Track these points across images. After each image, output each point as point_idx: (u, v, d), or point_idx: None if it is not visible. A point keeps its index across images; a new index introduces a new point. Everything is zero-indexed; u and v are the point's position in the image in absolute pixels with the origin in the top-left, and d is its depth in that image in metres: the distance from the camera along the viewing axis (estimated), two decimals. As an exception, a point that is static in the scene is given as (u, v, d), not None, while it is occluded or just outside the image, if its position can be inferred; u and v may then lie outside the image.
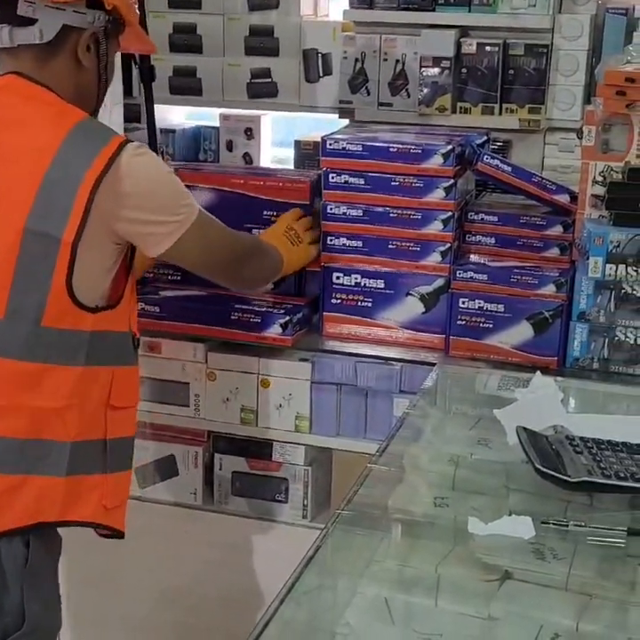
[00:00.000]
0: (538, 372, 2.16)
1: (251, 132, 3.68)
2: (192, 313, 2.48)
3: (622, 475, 1.67)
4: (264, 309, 2.45)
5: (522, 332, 2.34)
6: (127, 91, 3.19)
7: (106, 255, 1.80)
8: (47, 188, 1.69)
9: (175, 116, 3.80)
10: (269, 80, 3.50)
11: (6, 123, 1.78)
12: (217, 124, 3.72)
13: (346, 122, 3.37)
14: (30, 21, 1.76)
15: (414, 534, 1.75)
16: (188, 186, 2.50)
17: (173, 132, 3.68)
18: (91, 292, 1.78)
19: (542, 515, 1.65)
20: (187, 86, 3.57)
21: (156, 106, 3.08)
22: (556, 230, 2.45)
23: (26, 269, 1.70)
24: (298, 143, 3.57)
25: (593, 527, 1.61)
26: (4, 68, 1.83)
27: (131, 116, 3.06)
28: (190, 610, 2.64)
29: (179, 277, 2.59)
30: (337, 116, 3.43)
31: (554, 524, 1.62)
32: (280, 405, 2.49)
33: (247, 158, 3.68)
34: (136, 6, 2.00)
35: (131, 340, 1.92)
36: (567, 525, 1.61)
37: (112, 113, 2.59)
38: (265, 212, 2.50)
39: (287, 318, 2.42)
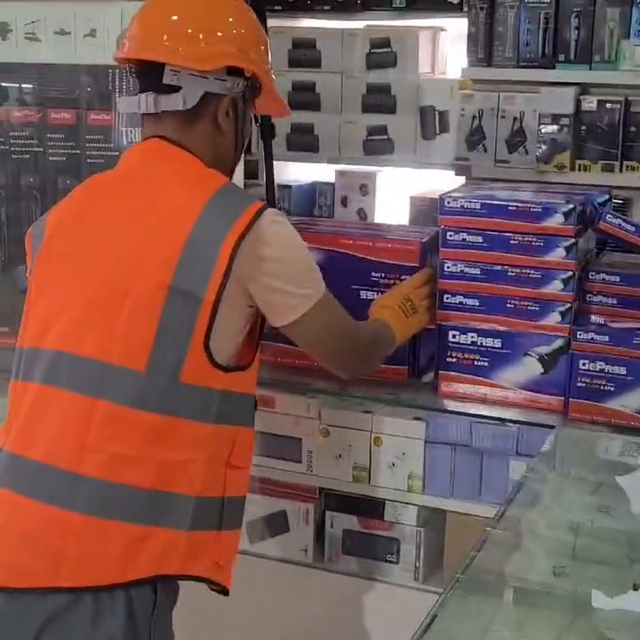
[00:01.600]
0: (663, 438, 2.10)
1: (366, 188, 3.69)
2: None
3: None
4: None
5: (646, 395, 2.28)
6: (247, 147, 3.24)
7: (241, 316, 1.86)
8: (191, 247, 1.75)
9: (292, 171, 3.84)
10: (386, 137, 3.51)
11: (153, 184, 1.85)
12: (333, 179, 3.75)
13: (462, 179, 3.35)
14: (174, 89, 1.85)
15: (532, 604, 1.70)
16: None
17: (290, 187, 3.72)
18: (224, 352, 1.82)
19: (668, 588, 1.59)
20: (304, 143, 3.61)
21: (274, 162, 3.12)
22: (681, 291, 2.38)
23: (168, 325, 1.75)
24: (413, 199, 3.57)
25: None
26: (146, 132, 1.93)
27: (249, 172, 3.10)
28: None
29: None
30: (453, 172, 3.42)
31: (683, 601, 1.55)
32: (393, 464, 2.47)
33: (362, 214, 3.70)
34: (272, 71, 2.03)
35: (254, 402, 1.96)
36: (697, 602, 1.54)
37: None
38: (373, 274, 2.51)
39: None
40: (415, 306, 2.33)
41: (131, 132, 2.63)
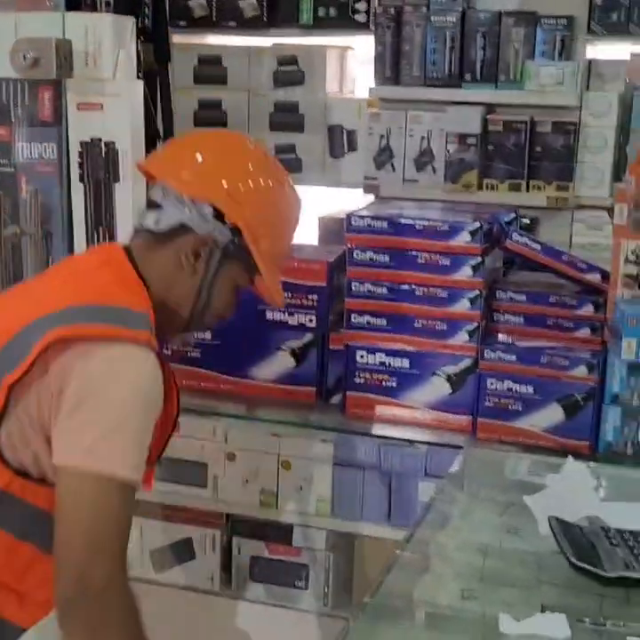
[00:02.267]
0: (569, 457, 2.10)
1: (274, 208, 3.66)
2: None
3: (662, 570, 1.59)
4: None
5: (552, 414, 2.28)
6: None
7: (44, 433, 1.56)
8: (22, 335, 1.57)
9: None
10: (294, 156, 3.49)
11: (68, 269, 1.77)
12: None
13: (371, 198, 3.34)
14: (156, 206, 1.72)
15: (441, 628, 1.67)
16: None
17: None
18: (18, 453, 1.58)
19: (576, 609, 1.58)
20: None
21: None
22: (588, 310, 2.39)
23: None
24: (322, 220, 3.54)
25: (631, 625, 1.52)
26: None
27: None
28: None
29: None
30: (362, 191, 3.41)
31: (591, 623, 1.53)
32: (301, 487, 2.42)
33: (270, 233, 3.66)
34: (280, 253, 1.82)
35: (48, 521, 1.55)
36: (605, 625, 1.53)
37: (135, 186, 2.56)
38: None
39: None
40: None
41: (28, 146, 2.54)
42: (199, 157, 1.76)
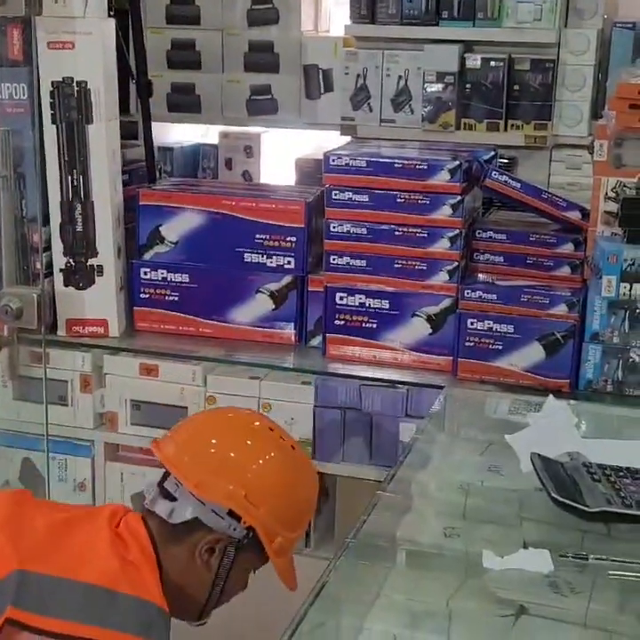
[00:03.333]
0: (550, 396, 2.10)
1: (250, 150, 3.61)
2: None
3: (644, 504, 1.60)
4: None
5: (533, 353, 2.28)
6: (124, 107, 3.13)
7: None
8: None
9: (174, 133, 3.73)
10: (270, 97, 3.44)
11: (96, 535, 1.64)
12: (216, 141, 3.66)
13: (348, 139, 3.30)
14: (172, 497, 1.66)
15: (424, 566, 1.68)
16: (177, 208, 2.47)
17: (171, 149, 3.61)
18: None
19: (558, 545, 1.59)
20: (185, 103, 3.50)
21: (154, 123, 3.02)
22: (567, 248, 2.39)
23: None
24: (299, 161, 3.50)
25: (614, 560, 1.53)
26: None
27: (128, 133, 2.98)
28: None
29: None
30: (339, 133, 3.37)
31: (573, 557, 1.54)
32: (282, 430, 2.42)
33: (247, 176, 3.62)
34: (294, 539, 1.75)
35: None
36: (587, 559, 1.53)
37: (108, 128, 2.53)
38: (257, 236, 2.45)
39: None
40: None
41: (-1, 89, 2.49)
42: (215, 454, 1.69)
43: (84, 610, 1.50)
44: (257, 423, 1.79)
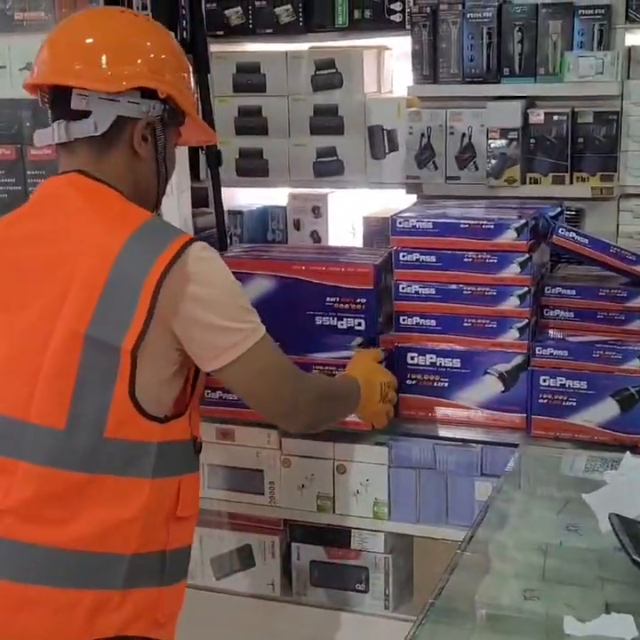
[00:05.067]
0: (627, 453, 2.07)
1: (318, 211, 3.66)
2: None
3: None
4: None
5: (607, 409, 2.25)
6: (194, 175, 3.21)
7: (170, 362, 1.73)
8: (108, 293, 1.65)
9: (243, 197, 3.80)
10: (335, 158, 3.49)
11: (68, 225, 1.74)
12: (285, 203, 3.72)
13: (414, 197, 3.34)
14: (84, 114, 1.74)
15: (504, 630, 1.65)
16: (248, 274, 2.52)
17: (241, 213, 3.68)
18: (158, 402, 1.72)
19: (640, 607, 1.56)
20: (253, 168, 3.57)
21: (223, 189, 3.09)
22: (638, 302, 2.36)
23: (87, 379, 1.65)
24: (366, 220, 3.54)
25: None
26: (62, 165, 1.81)
27: (198, 200, 3.05)
28: None
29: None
30: (404, 191, 3.40)
31: (657, 621, 1.52)
32: (357, 491, 2.42)
33: (315, 236, 3.66)
34: (194, 95, 1.97)
35: (193, 445, 1.83)
36: (671, 622, 1.51)
37: (180, 199, 2.59)
38: (328, 299, 2.47)
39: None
40: (391, 399, 2.24)
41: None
42: (97, 51, 1.75)
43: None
44: (105, 11, 2.02)
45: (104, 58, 1.74)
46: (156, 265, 1.65)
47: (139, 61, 1.76)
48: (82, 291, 1.66)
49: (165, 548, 1.76)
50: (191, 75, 1.91)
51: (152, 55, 1.79)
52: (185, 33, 2.74)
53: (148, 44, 1.81)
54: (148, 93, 1.77)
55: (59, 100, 1.77)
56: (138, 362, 1.65)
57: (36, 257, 1.73)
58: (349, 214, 3.69)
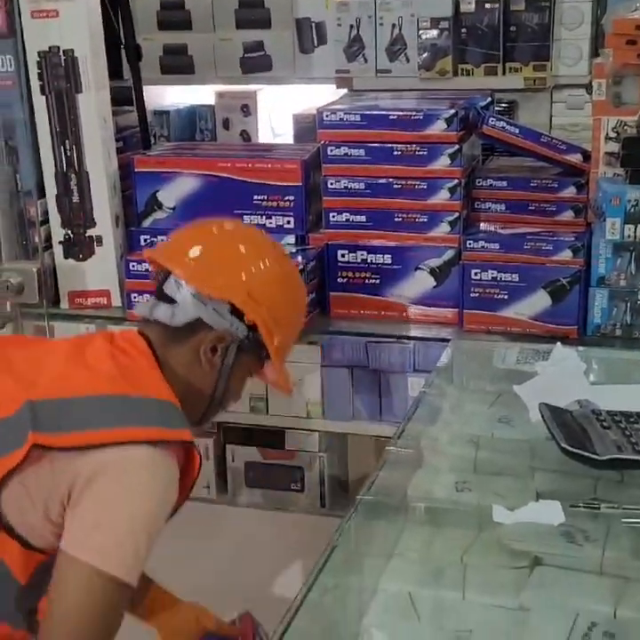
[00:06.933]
0: (558, 343, 2.08)
1: (247, 109, 3.57)
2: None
3: (655, 450, 1.58)
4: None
5: (539, 301, 2.25)
6: (118, 73, 3.09)
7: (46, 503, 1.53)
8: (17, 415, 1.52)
9: (169, 96, 3.68)
10: (263, 53, 3.38)
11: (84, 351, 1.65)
12: (212, 102, 3.61)
13: (344, 91, 3.25)
14: (171, 300, 1.69)
15: (437, 522, 1.67)
16: (172, 173, 2.44)
17: (168, 113, 3.56)
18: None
19: (570, 495, 1.57)
20: (178, 65, 3.45)
21: (148, 87, 2.98)
22: (570, 192, 2.35)
23: None
24: (296, 117, 3.46)
25: (626, 508, 1.52)
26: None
27: (122, 99, 2.93)
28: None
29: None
30: (334, 86, 3.31)
31: (584, 506, 1.52)
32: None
33: (245, 136, 3.57)
34: (289, 345, 1.81)
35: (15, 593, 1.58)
36: (599, 508, 1.52)
37: (97, 97, 2.49)
38: (255, 197, 2.41)
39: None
40: None
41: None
42: (217, 255, 1.73)
43: (102, 417, 1.53)
44: (256, 233, 1.92)
45: (214, 262, 1.71)
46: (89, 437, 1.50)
47: (242, 282, 1.70)
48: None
49: None
50: (299, 331, 1.84)
51: (258, 282, 1.72)
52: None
53: (263, 275, 1.74)
54: (238, 313, 1.68)
55: (161, 280, 1.73)
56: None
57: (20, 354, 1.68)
58: (279, 112, 3.60)
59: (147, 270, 2.43)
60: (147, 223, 2.57)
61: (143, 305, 1.78)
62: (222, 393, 1.73)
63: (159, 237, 2.53)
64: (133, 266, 2.45)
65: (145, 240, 2.55)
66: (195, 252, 1.73)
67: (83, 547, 1.48)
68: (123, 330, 1.76)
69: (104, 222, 2.54)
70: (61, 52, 2.43)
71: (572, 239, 2.26)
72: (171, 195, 2.52)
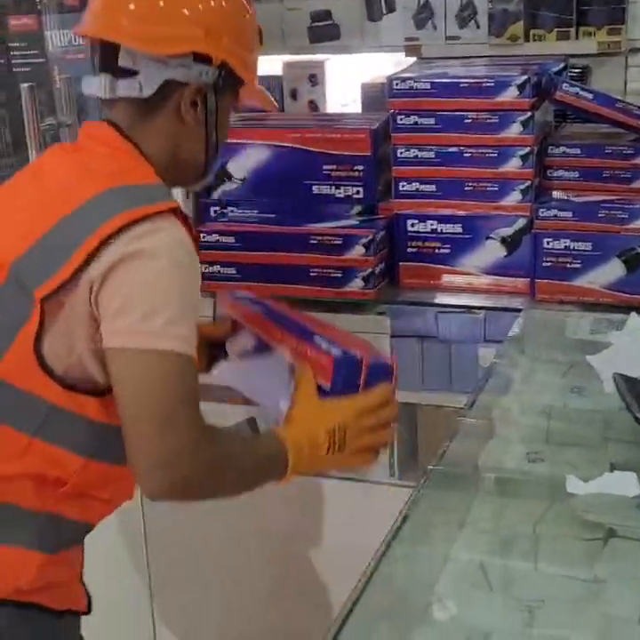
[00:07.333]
0: (633, 313, 2.04)
1: (315, 79, 3.55)
2: (269, 272, 2.39)
3: None
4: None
5: (613, 270, 2.21)
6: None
7: (79, 325, 1.52)
8: (52, 236, 1.52)
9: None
10: (331, 22, 3.36)
11: (70, 162, 1.64)
12: (280, 72, 3.60)
13: (413, 60, 3.22)
14: (131, 73, 1.62)
15: (508, 493, 1.66)
16: (243, 144, 2.43)
17: (235, 84, 3.57)
18: (66, 366, 1.54)
19: (645, 466, 1.54)
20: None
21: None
22: (645, 159, 2.30)
23: None
24: (364, 86, 3.43)
25: (703, 479, 1.49)
26: (103, 115, 1.70)
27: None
28: (278, 576, 2.59)
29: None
30: (403, 54, 3.28)
31: (661, 478, 1.50)
32: (360, 361, 2.40)
33: (313, 106, 3.56)
34: (256, 59, 1.75)
35: (102, 431, 1.58)
36: (675, 479, 1.50)
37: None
38: (324, 167, 2.41)
39: (369, 271, 2.31)
40: (346, 441, 1.65)
41: (57, 35, 2.48)
42: (151, 8, 1.61)
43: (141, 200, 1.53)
44: None
45: (155, 16, 1.61)
46: (106, 225, 1.49)
47: (195, 23, 1.61)
48: (32, 227, 1.55)
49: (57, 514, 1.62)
50: (254, 35, 1.76)
51: (207, 14, 1.63)
52: None
53: (216, 7, 1.65)
54: (201, 57, 1.62)
55: (105, 52, 1.65)
56: (48, 314, 1.51)
57: (29, 186, 1.66)
58: (348, 81, 3.58)
59: (217, 241, 2.45)
60: (216, 194, 2.58)
61: (96, 87, 1.66)
62: (215, 142, 1.71)
63: (229, 208, 2.55)
64: (204, 237, 2.46)
65: (215, 211, 2.57)
66: (128, 14, 1.60)
67: (129, 333, 1.46)
68: (88, 125, 1.72)
69: (175, 193, 2.56)
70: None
71: (648, 207, 2.22)
72: (240, 166, 2.53)
